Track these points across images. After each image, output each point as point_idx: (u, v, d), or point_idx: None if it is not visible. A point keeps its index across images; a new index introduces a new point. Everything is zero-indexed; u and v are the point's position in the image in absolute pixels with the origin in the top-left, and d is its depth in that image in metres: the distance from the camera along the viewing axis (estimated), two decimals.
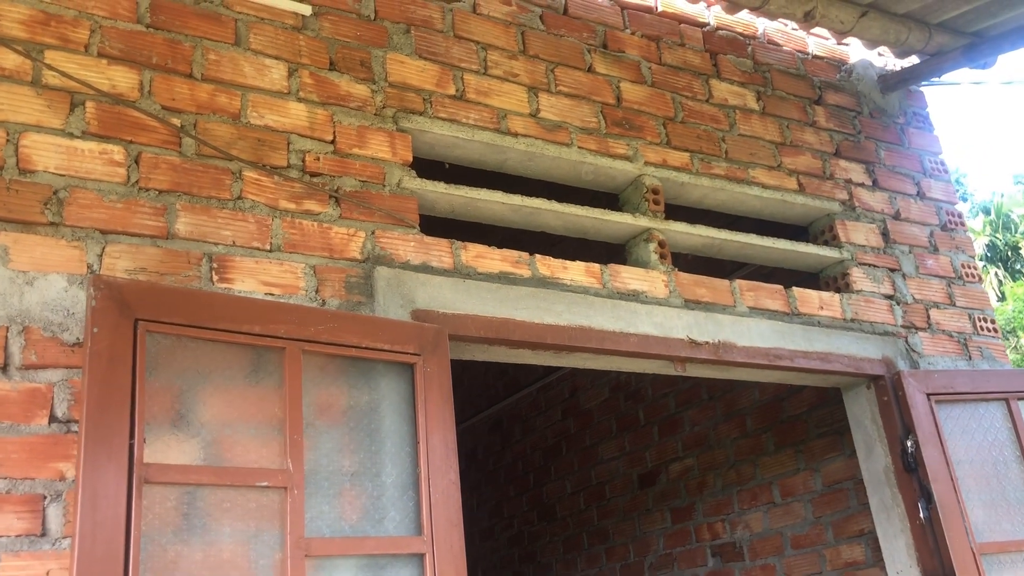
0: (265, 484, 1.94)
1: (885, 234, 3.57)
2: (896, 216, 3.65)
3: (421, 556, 2.10)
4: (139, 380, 1.84)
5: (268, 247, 2.31)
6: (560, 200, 2.88)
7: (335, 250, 2.40)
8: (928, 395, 3.14)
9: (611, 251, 3.31)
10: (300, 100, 2.52)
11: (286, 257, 2.32)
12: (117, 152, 2.21)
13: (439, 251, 2.56)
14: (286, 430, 2.01)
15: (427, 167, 2.88)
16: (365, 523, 2.10)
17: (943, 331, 3.50)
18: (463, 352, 2.56)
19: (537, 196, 2.85)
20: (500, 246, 2.68)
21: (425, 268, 2.51)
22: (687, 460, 4.82)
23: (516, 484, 6.17)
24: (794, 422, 4.22)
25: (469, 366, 6.83)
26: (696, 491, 4.73)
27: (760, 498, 4.37)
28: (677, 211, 3.23)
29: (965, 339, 3.54)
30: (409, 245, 2.51)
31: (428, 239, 2.56)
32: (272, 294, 2.24)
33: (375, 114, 2.63)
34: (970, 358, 3.50)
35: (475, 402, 6.74)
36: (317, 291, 2.31)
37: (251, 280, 2.24)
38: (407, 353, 2.26)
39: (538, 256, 2.73)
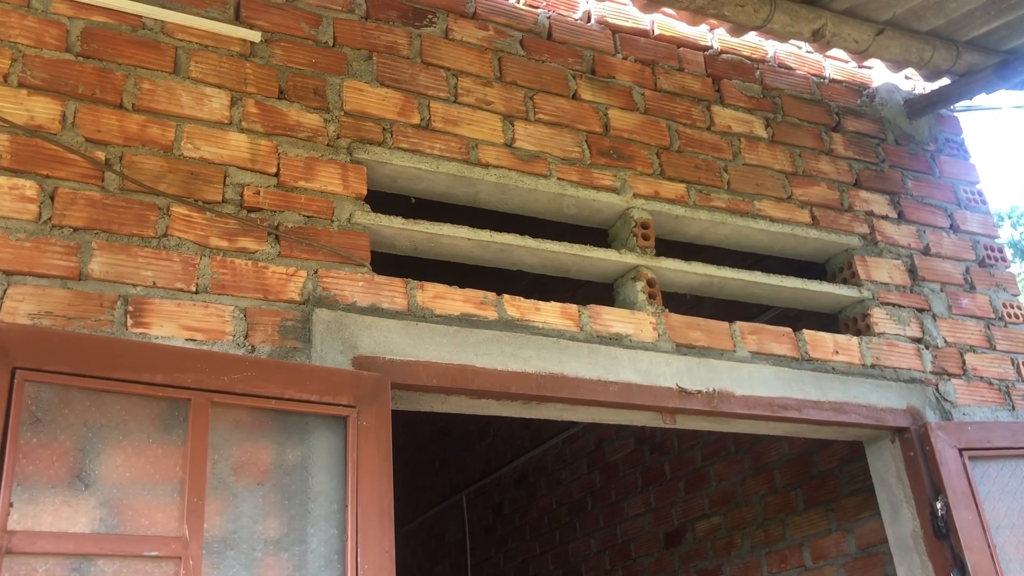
0: (155, 554, 1.71)
1: (912, 271, 3.24)
2: (925, 251, 3.32)
3: None
4: (11, 435, 1.65)
5: (193, 288, 2.11)
6: (544, 237, 2.64)
7: (270, 291, 2.19)
8: (960, 450, 2.79)
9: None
10: (242, 131, 2.35)
11: (213, 299, 2.12)
12: (29, 187, 2.05)
13: (391, 291, 2.33)
14: (185, 491, 1.79)
15: (395, 202, 2.68)
16: None
17: (981, 378, 3.13)
18: (417, 403, 2.32)
19: (525, 234, 2.62)
20: (489, 288, 2.45)
21: (374, 310, 2.29)
22: (714, 518, 4.46)
23: (542, 541, 5.85)
24: (825, 478, 3.86)
25: (495, 417, 6.56)
26: (724, 552, 4.37)
27: (790, 561, 4.00)
28: (675, 248, 2.96)
29: (1008, 387, 3.17)
30: (357, 285, 2.30)
31: (380, 279, 2.34)
32: (194, 340, 2.04)
33: (327, 145, 2.44)
34: (1013, 408, 3.13)
35: (502, 454, 6.46)
36: (246, 336, 2.11)
37: (170, 325, 2.04)
38: (339, 405, 2.03)
39: (506, 296, 2.49)
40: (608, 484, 5.28)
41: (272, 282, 2.20)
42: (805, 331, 2.90)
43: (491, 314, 2.44)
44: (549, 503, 5.84)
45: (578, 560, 5.45)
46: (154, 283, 2.08)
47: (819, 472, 3.90)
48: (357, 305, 2.27)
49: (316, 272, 2.27)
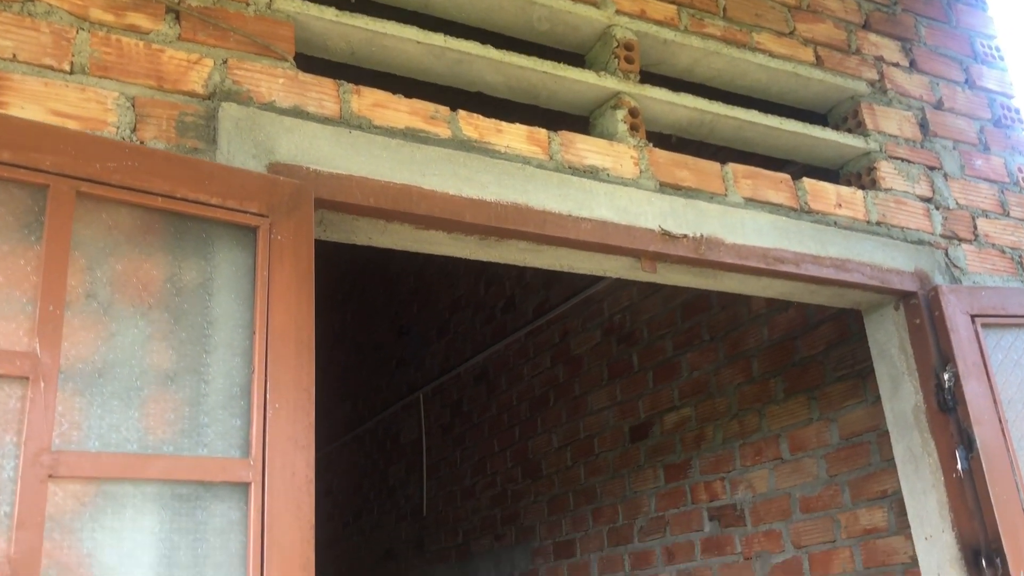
0: None
1: (923, 125, 2.88)
2: (938, 105, 2.95)
3: (245, 486, 1.49)
4: None
5: (67, 67, 1.68)
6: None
7: (166, 79, 1.76)
8: (973, 316, 2.47)
9: None
10: None
11: (92, 82, 1.69)
12: None
13: (320, 93, 1.92)
14: (38, 300, 1.40)
15: None
16: (178, 438, 1.49)
17: (993, 245, 2.81)
18: (350, 231, 1.92)
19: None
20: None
21: (296, 113, 1.87)
22: (684, 410, 4.17)
23: (501, 438, 5.56)
24: (808, 364, 3.56)
25: (457, 308, 6.22)
26: (693, 445, 4.09)
27: (766, 453, 3.72)
28: (660, 82, 2.56)
29: (1021, 256, 2.84)
30: (276, 82, 1.87)
31: (306, 77, 1.92)
32: (66, 128, 1.62)
33: None
34: None
35: (461, 351, 6.13)
36: (134, 130, 1.69)
37: (35, 107, 1.61)
38: (247, 212, 1.63)
39: (462, 113, 2.08)
40: (572, 378, 4.97)
41: (169, 69, 1.77)
42: (805, 179, 2.54)
43: (443, 131, 2.03)
44: (509, 399, 5.53)
45: (538, 457, 5.17)
46: (14, 55, 1.64)
47: (802, 359, 3.60)
48: (276, 105, 1.85)
49: (225, 62, 1.84)
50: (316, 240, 1.85)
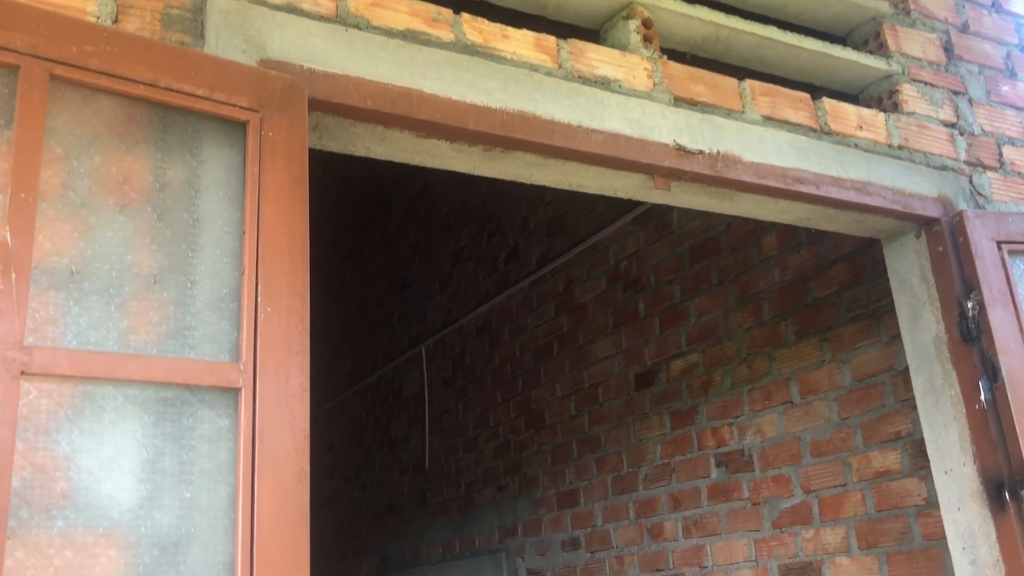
0: None
1: (948, 48, 2.75)
2: (963, 28, 2.83)
3: (235, 392, 1.39)
4: None
5: None
6: None
7: None
8: (999, 243, 2.36)
9: None
10: None
11: None
12: None
13: None
14: (9, 187, 1.29)
15: None
16: (163, 340, 1.39)
17: (1019, 173, 2.70)
18: (347, 139, 1.81)
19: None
20: None
21: (290, 8, 1.76)
22: (691, 356, 4.08)
23: (504, 389, 5.48)
24: (820, 305, 3.46)
25: (459, 260, 6.12)
26: (700, 391, 4.01)
27: (775, 397, 3.63)
28: None
29: None
30: None
31: None
32: (40, 7, 1.51)
33: None
34: None
35: (464, 303, 6.04)
36: (116, 20, 1.57)
37: None
38: (237, 107, 1.52)
39: (466, 16, 1.97)
40: (576, 327, 4.88)
41: None
42: (825, 99, 2.42)
43: (445, 34, 1.92)
44: (512, 350, 5.45)
45: (541, 407, 5.10)
46: None
47: (814, 300, 3.50)
48: (268, 0, 1.74)
49: None
50: (314, 150, 1.75)
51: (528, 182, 2.06)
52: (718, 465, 3.88)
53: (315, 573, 7.99)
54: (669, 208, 4.29)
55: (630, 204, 4.55)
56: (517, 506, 5.21)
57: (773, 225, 3.71)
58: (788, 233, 3.64)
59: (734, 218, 3.90)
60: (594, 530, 4.58)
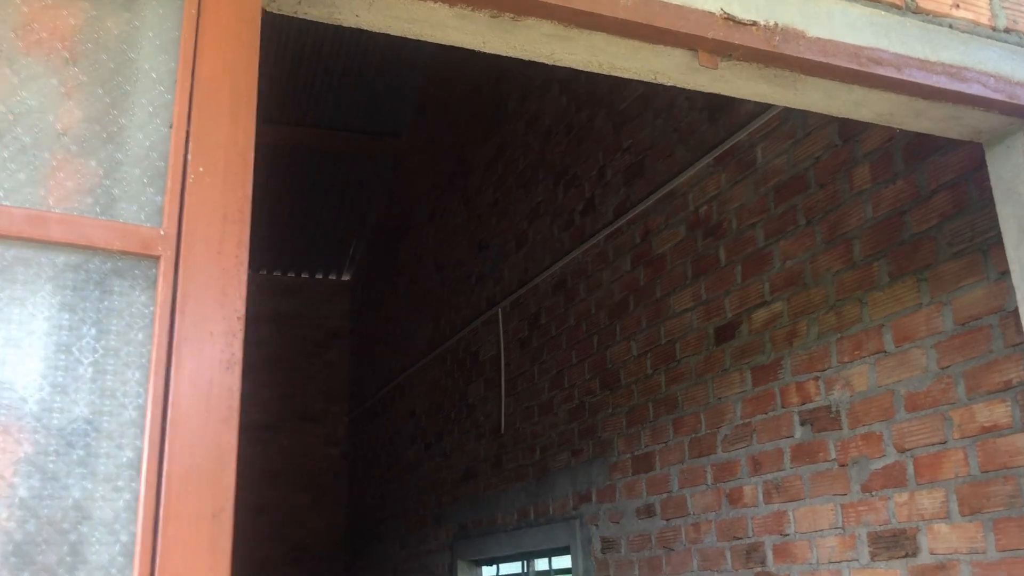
0: None
1: None
2: None
3: (154, 260, 1.18)
4: None
5: None
6: None
7: None
8: None
9: None
10: None
11: None
12: None
13: None
14: None
15: None
16: (79, 202, 1.19)
17: None
18: (330, 3, 1.57)
19: None
20: None
21: None
22: (775, 305, 3.72)
23: (579, 349, 5.21)
24: (918, 241, 3.06)
25: (535, 216, 5.86)
26: (784, 343, 3.64)
27: (866, 347, 3.25)
28: None
29: None
30: None
31: None
32: None
33: None
34: None
35: (539, 261, 5.78)
36: None
37: None
38: None
39: None
40: (653, 280, 4.56)
41: None
42: None
43: None
44: (587, 308, 5.17)
45: (616, 366, 4.80)
46: None
47: (911, 236, 3.10)
48: None
49: None
50: (303, 22, 1.51)
51: (549, 62, 1.78)
52: (802, 423, 3.51)
53: (394, 542, 7.91)
54: (752, 144, 3.92)
55: (711, 143, 4.19)
56: (592, 471, 4.94)
57: (866, 155, 3.32)
58: (883, 162, 3.24)
59: (823, 150, 3.52)
60: (670, 496, 4.27)
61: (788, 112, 3.72)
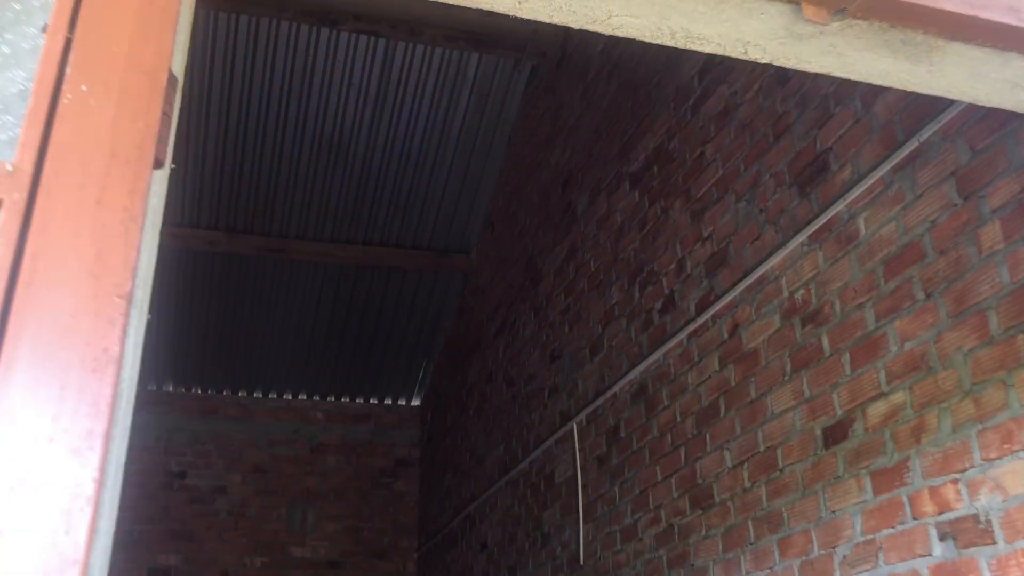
0: None
1: None
2: None
3: None
4: None
5: None
6: None
7: None
8: None
9: None
10: None
11: None
12: None
13: None
14: None
15: None
16: None
17: None
18: None
19: None
20: None
21: None
22: (894, 396, 3.14)
23: (664, 464, 4.62)
24: None
25: (610, 319, 5.40)
26: (910, 441, 3.04)
27: (1017, 438, 2.64)
28: None
29: None
30: None
31: None
32: None
33: None
34: None
35: (616, 367, 5.28)
36: None
37: None
38: None
39: None
40: (746, 379, 4.01)
41: None
42: None
43: None
44: (671, 416, 4.61)
45: (708, 481, 4.20)
46: None
47: None
48: None
49: None
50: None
51: (607, 30, 1.38)
52: (942, 538, 2.87)
53: None
54: (852, 215, 3.44)
55: (803, 220, 3.72)
56: None
57: (994, 211, 2.80)
58: (1016, 216, 2.73)
59: (939, 212, 3.01)
60: None
61: (892, 174, 3.25)
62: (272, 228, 8.05)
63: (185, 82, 1.02)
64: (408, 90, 7.23)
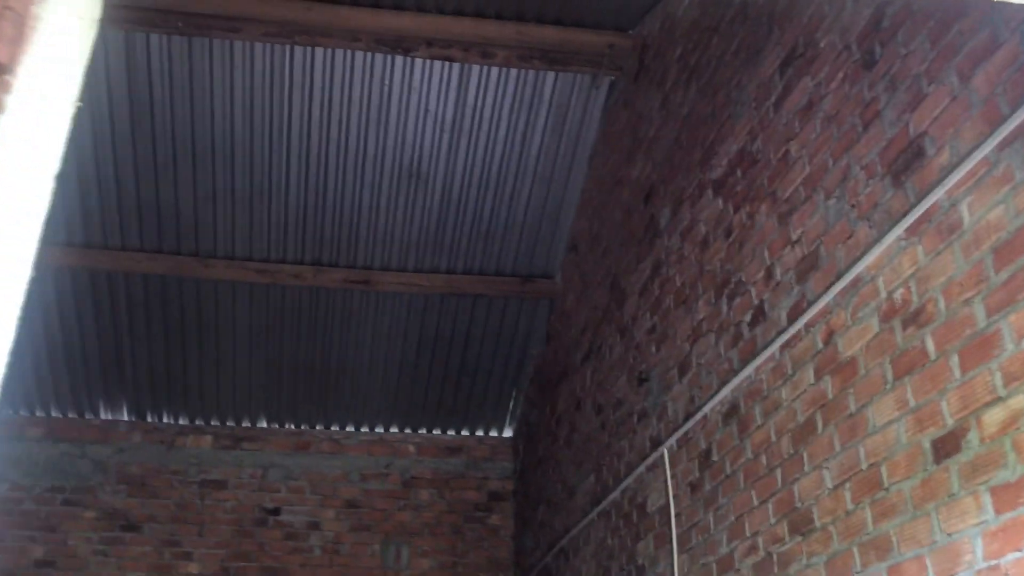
0: None
1: None
2: None
3: None
4: None
5: None
6: None
7: None
8: None
9: None
10: None
11: None
12: None
13: None
14: None
15: None
16: None
17: None
18: None
19: None
20: None
21: None
22: (1013, 400, 2.76)
23: (759, 487, 4.28)
24: None
25: (697, 336, 5.09)
26: None
27: None
28: None
29: None
30: None
31: None
32: None
33: None
34: None
35: (704, 386, 4.96)
36: None
37: None
38: None
39: None
40: (843, 390, 3.66)
41: None
42: None
43: None
44: (766, 435, 4.27)
45: (807, 504, 3.84)
46: None
47: None
48: None
49: None
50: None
51: None
52: None
53: None
54: (953, 202, 3.09)
55: (899, 212, 3.38)
56: None
57: None
58: None
59: None
60: None
61: (998, 152, 2.90)
62: (356, 259, 8.03)
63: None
64: (484, 114, 7.13)
